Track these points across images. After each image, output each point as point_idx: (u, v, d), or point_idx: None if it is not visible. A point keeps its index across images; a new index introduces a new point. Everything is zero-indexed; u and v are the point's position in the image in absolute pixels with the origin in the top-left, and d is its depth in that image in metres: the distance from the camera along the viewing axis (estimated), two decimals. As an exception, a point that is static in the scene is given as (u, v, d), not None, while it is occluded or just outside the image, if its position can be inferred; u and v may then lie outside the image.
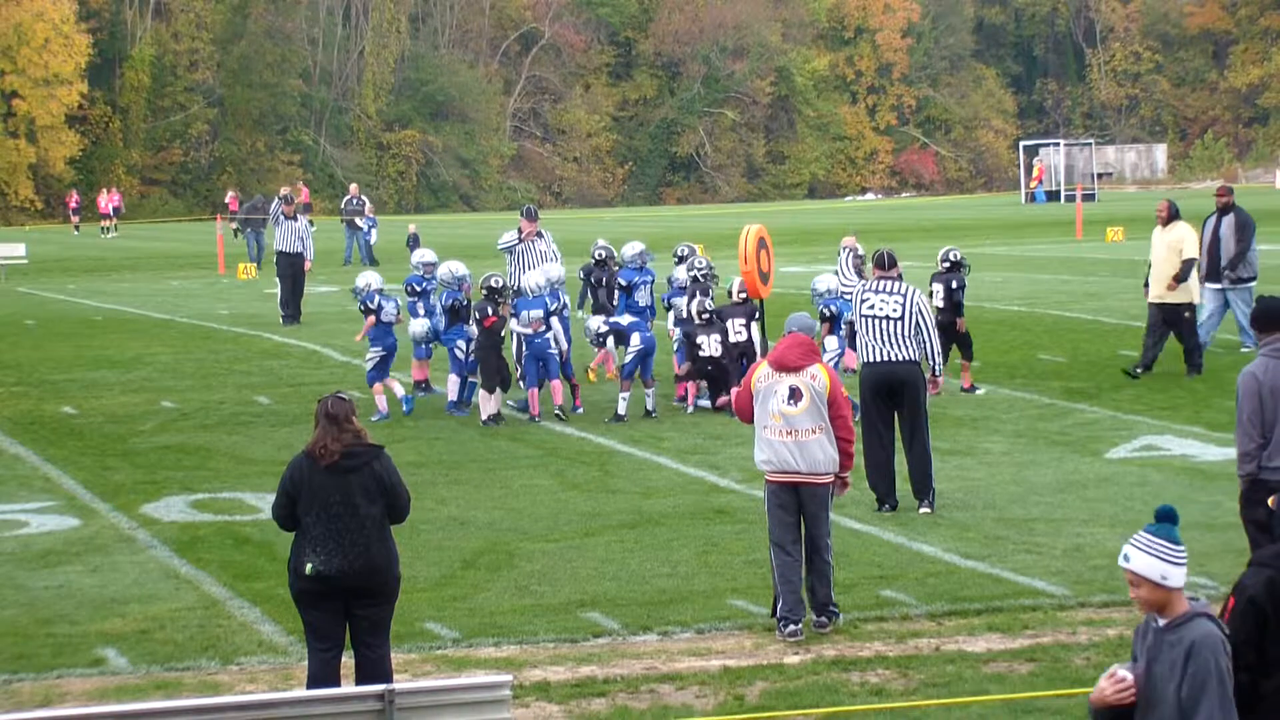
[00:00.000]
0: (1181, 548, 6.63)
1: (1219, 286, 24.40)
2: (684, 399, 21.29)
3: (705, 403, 21.07)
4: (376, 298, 20.95)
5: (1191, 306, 22.60)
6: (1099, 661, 11.03)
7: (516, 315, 20.56)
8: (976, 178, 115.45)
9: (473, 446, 18.90)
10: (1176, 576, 6.59)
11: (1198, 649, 6.46)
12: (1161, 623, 6.62)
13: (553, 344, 20.58)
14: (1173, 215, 22.96)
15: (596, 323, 21.53)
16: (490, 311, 20.04)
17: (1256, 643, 6.82)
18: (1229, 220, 24.60)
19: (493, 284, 20.35)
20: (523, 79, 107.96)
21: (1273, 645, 6.81)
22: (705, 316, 20.53)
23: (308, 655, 10.05)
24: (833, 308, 20.45)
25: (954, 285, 21.67)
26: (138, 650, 11.62)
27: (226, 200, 68.84)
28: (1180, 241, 22.63)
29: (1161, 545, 6.62)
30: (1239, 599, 6.89)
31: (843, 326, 20.30)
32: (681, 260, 22.72)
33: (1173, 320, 22.50)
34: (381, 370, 20.89)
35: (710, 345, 20.44)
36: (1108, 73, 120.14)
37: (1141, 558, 6.62)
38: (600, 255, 23.74)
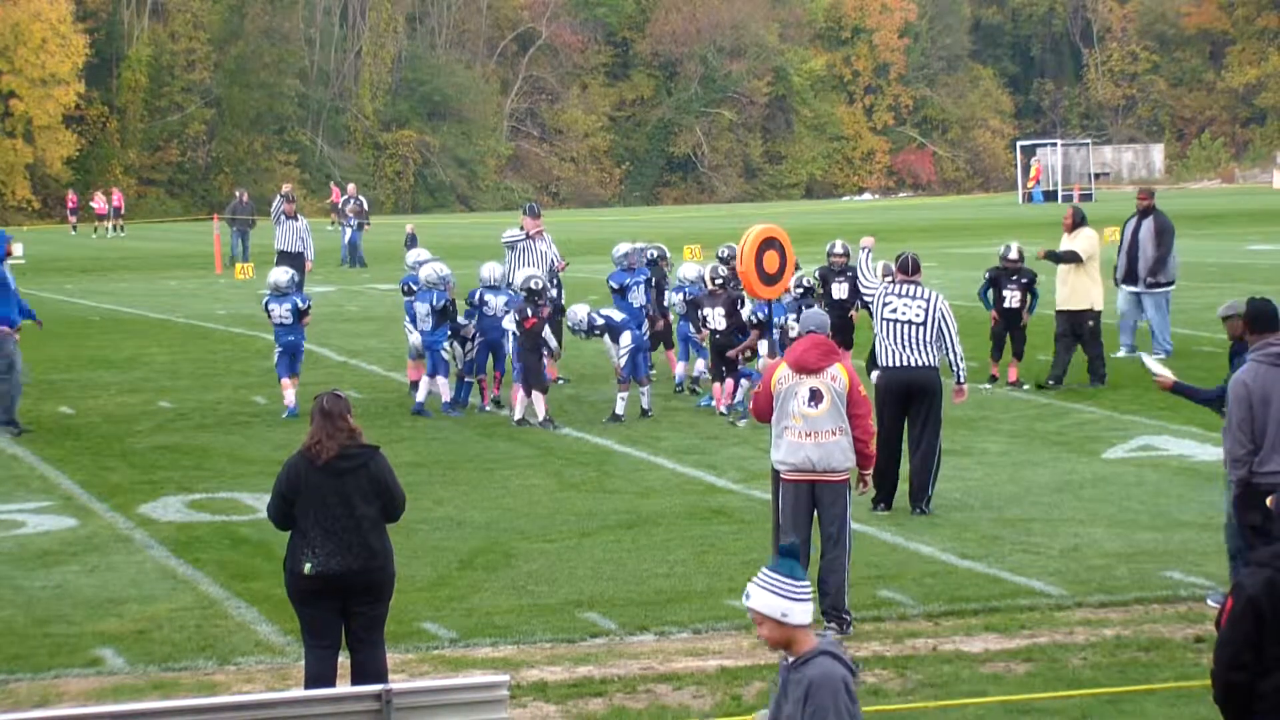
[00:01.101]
0: (803, 584, 6.49)
1: (1136, 290, 24.17)
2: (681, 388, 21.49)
3: (705, 403, 21.07)
4: (265, 298, 21.48)
5: (1095, 314, 22.08)
6: (1096, 661, 11.05)
7: (508, 312, 20.70)
8: (974, 178, 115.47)
9: (470, 446, 18.90)
10: (797, 613, 6.49)
11: (815, 689, 6.39)
12: (790, 660, 6.54)
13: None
14: (1077, 222, 22.52)
15: (583, 311, 21.23)
16: (530, 313, 19.96)
17: (1255, 642, 6.82)
18: (1148, 224, 24.22)
19: (532, 286, 20.24)
20: (520, 79, 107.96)
21: (1271, 645, 6.80)
22: (718, 282, 20.60)
23: (305, 655, 10.05)
24: (761, 314, 20.20)
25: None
26: (135, 650, 11.62)
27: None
28: (1082, 246, 22.20)
29: (781, 582, 6.50)
30: (1237, 599, 6.88)
31: (774, 331, 20.05)
32: (725, 261, 22.63)
33: (1077, 328, 22.07)
34: (280, 367, 21.24)
35: (715, 318, 20.47)
36: (1105, 73, 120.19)
37: (761, 595, 6.51)
38: (653, 255, 23.71)
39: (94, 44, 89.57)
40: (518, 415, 20.01)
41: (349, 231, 48.56)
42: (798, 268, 17.98)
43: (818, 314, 12.62)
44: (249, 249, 48.58)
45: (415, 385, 22.44)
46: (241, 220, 50.36)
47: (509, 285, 21.53)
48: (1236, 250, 45.11)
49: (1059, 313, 22.26)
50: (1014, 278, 22.14)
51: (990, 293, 22.28)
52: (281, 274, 21.85)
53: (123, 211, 73.25)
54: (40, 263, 50.64)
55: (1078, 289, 22.19)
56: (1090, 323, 22.04)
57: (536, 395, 19.87)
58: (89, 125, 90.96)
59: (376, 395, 22.27)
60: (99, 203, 73.15)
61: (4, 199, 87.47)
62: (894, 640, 11.59)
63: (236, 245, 49.18)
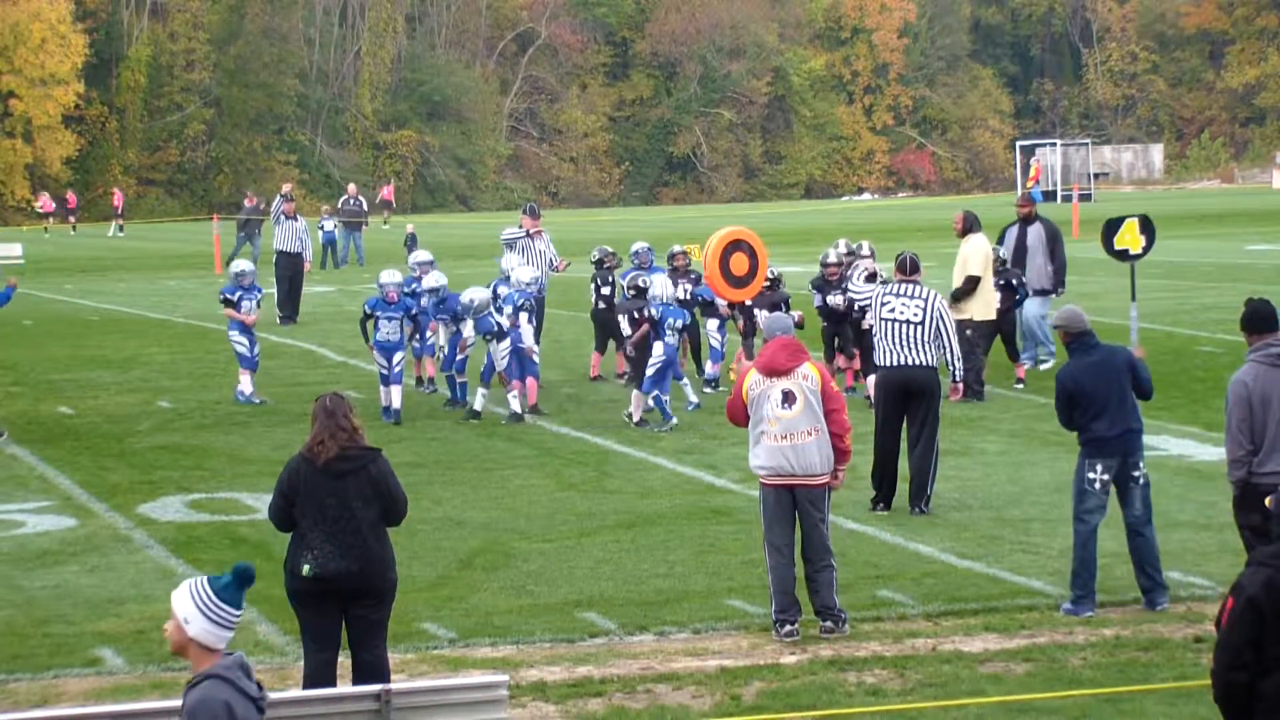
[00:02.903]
0: (223, 606, 6.41)
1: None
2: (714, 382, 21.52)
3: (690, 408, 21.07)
4: (238, 291, 22.07)
5: (974, 325, 21.34)
6: (1095, 661, 11.05)
7: (500, 310, 20.75)
8: (973, 178, 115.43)
9: (469, 446, 18.90)
10: (197, 625, 6.40)
11: (189, 716, 6.28)
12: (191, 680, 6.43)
13: (524, 340, 20.48)
14: (968, 228, 21.81)
15: (481, 297, 20.59)
16: (643, 313, 19.84)
17: (1255, 642, 6.82)
18: (1036, 231, 23.43)
19: (640, 284, 20.07)
20: (519, 79, 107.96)
21: (1271, 645, 6.80)
22: (765, 285, 20.82)
23: (304, 656, 10.05)
24: (655, 309, 20.05)
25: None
26: (134, 650, 11.62)
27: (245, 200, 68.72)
28: (965, 258, 21.52)
29: (205, 593, 6.46)
30: (1237, 599, 6.88)
31: (666, 333, 19.86)
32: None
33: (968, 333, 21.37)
34: (243, 361, 22.19)
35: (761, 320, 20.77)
36: (1104, 73, 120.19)
37: (181, 593, 6.50)
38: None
39: (93, 44, 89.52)
40: (636, 417, 19.75)
41: (320, 233, 48.42)
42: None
43: (780, 318, 12.69)
44: (237, 251, 48.45)
45: (420, 381, 22.66)
46: (254, 222, 50.30)
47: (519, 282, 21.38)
48: (1236, 250, 45.11)
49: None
50: (995, 280, 21.98)
51: None
52: (248, 264, 22.86)
53: (119, 210, 73.21)
54: (39, 263, 50.64)
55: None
56: (969, 331, 21.13)
57: (637, 393, 19.85)
58: (88, 125, 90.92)
59: (375, 395, 22.24)
60: (42, 201, 73.94)
61: (3, 199, 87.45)
62: (893, 640, 11.59)
63: (243, 247, 49.05)
